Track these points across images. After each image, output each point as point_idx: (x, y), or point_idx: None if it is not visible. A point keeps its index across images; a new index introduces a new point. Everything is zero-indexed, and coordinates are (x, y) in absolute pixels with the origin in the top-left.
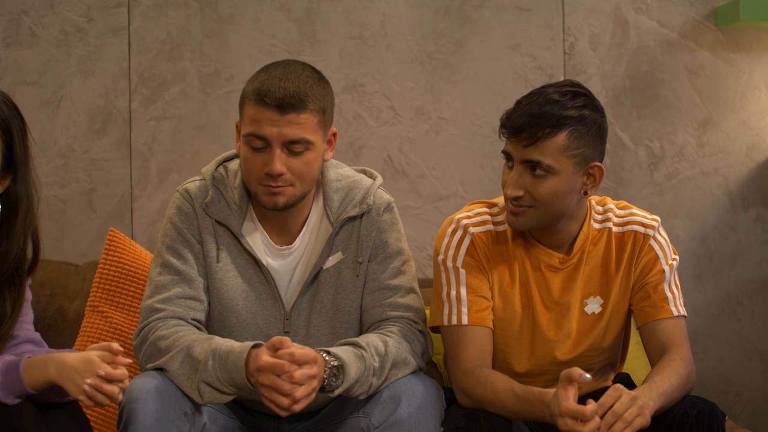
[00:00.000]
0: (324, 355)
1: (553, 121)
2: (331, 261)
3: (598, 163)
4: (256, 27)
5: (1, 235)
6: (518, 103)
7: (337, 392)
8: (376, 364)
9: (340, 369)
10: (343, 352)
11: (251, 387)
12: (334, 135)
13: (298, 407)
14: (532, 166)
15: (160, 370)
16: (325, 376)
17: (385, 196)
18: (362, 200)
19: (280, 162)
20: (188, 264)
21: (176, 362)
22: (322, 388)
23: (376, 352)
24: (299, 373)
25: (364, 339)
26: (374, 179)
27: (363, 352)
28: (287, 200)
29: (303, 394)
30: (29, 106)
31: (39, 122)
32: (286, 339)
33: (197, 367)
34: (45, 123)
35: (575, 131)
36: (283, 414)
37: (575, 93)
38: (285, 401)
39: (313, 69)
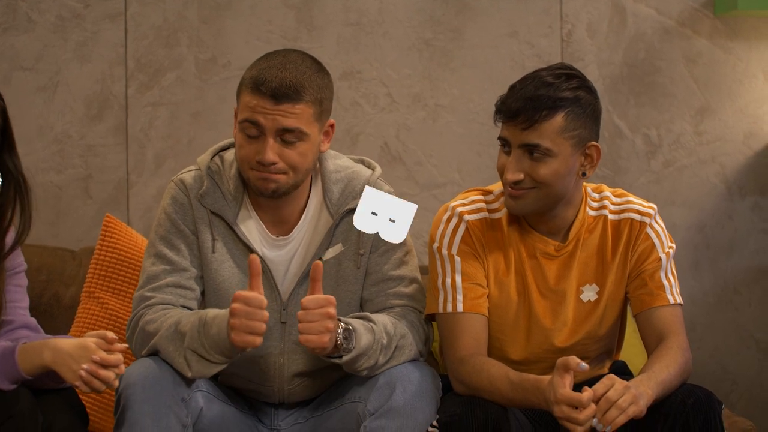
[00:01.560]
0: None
1: (550, 103)
2: (330, 252)
3: (595, 143)
4: (254, 13)
5: (11, 212)
6: (512, 87)
7: (345, 358)
8: (384, 341)
9: (351, 333)
10: (353, 321)
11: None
12: (332, 126)
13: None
14: (530, 149)
15: (155, 355)
16: (338, 336)
17: (385, 188)
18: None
19: (272, 151)
20: (181, 254)
21: (165, 339)
22: (333, 351)
23: (384, 330)
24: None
25: (374, 316)
26: (373, 170)
27: (373, 325)
28: (278, 187)
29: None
30: (25, 91)
31: (35, 108)
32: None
33: (184, 338)
34: (41, 109)
35: (571, 112)
36: (257, 342)
37: (569, 75)
38: (257, 325)
39: (314, 59)
